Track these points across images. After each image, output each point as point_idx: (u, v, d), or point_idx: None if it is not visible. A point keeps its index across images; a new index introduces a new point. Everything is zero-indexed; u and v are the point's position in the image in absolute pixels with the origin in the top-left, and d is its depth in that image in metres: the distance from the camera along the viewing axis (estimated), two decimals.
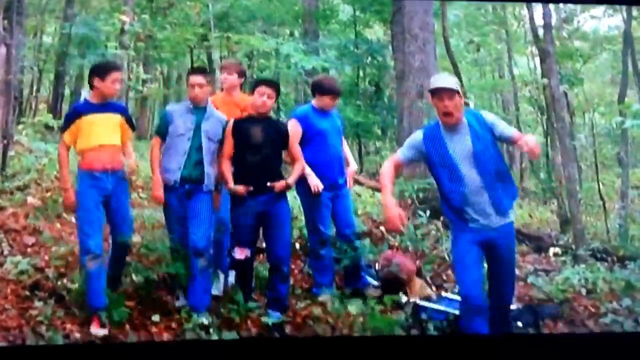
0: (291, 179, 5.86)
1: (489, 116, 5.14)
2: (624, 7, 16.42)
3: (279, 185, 5.69)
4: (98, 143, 5.60)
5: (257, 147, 5.72)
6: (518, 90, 18.09)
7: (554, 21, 15.45)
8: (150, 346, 5.09)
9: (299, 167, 5.99)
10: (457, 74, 12.68)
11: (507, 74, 19.53)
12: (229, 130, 5.79)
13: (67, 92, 17.38)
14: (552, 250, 9.07)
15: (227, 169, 5.76)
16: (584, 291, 6.95)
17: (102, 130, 5.64)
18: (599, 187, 12.25)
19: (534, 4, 15.48)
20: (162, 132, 5.86)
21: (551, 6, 14.82)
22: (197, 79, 5.82)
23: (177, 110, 5.92)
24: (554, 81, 12.59)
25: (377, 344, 4.74)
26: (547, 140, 14.29)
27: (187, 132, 5.73)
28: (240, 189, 5.65)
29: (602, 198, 12.24)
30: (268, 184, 5.64)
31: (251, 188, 5.63)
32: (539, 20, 14.44)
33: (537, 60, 17.15)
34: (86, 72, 19.33)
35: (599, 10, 19.45)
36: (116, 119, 5.75)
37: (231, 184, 5.69)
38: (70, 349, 4.82)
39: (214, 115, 5.88)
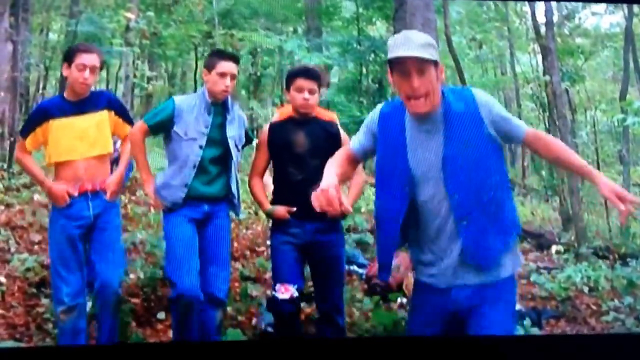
0: (351, 200, 4.49)
1: (483, 98, 3.22)
2: (624, 4, 16.45)
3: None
4: (70, 157, 4.45)
5: (301, 157, 4.47)
6: (520, 88, 18.11)
7: (555, 18, 15.48)
8: (156, 347, 5.09)
9: (358, 183, 4.55)
10: (460, 71, 12.68)
11: (509, 71, 19.55)
12: (264, 137, 4.63)
13: None
14: (554, 248, 9.12)
15: (260, 188, 4.63)
16: (586, 289, 7.01)
17: (77, 139, 4.44)
18: None
19: (536, 1, 15.55)
20: (158, 128, 4.51)
21: (553, 3, 14.89)
22: (229, 66, 4.46)
23: (188, 105, 4.46)
24: (555, 78, 12.65)
25: (379, 343, 4.77)
26: None
27: (199, 138, 4.39)
28: (281, 211, 4.46)
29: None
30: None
31: (294, 209, 4.40)
32: (540, 18, 14.51)
33: (539, 57, 17.19)
34: None
35: (600, 7, 19.46)
36: (99, 117, 4.51)
37: (267, 206, 4.55)
38: (75, 348, 4.82)
39: (237, 114, 4.63)
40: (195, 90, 15.90)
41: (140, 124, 4.53)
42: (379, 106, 3.47)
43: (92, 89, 4.63)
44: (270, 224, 4.72)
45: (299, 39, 12.54)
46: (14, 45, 11.51)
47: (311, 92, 4.45)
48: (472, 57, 19.04)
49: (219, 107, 4.50)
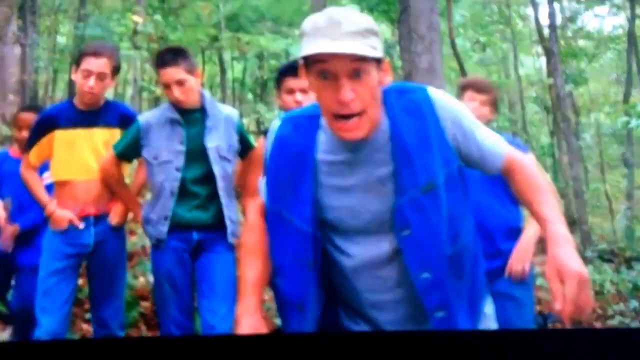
0: None
1: (445, 103, 2.00)
2: (627, 6, 16.54)
3: None
4: (75, 176, 3.77)
5: None
6: (524, 90, 18.19)
7: (558, 20, 15.57)
8: (163, 342, 5.10)
9: None
10: (464, 74, 12.77)
11: (513, 73, 19.64)
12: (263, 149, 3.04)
13: None
14: None
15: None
16: (591, 293, 7.07)
17: (85, 156, 3.77)
18: (605, 187, 12.34)
19: (538, 2, 15.65)
20: (127, 154, 3.74)
21: (556, 5, 14.97)
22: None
23: (156, 121, 3.65)
24: (559, 81, 12.75)
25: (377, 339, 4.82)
26: (553, 141, 14.40)
27: (175, 158, 3.58)
28: None
29: (608, 199, 12.35)
30: None
31: None
32: (544, 20, 14.61)
33: (543, 59, 17.29)
34: None
35: (602, 9, 19.57)
36: (109, 136, 3.79)
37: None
38: (82, 344, 4.78)
39: (223, 117, 3.70)
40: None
41: (109, 154, 3.74)
42: (274, 124, 2.17)
43: (108, 98, 3.99)
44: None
45: None
46: (22, 48, 11.52)
47: (304, 92, 3.43)
48: (476, 59, 19.13)
49: (194, 114, 3.62)
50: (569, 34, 18.47)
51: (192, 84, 3.56)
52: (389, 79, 1.95)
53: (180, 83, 3.52)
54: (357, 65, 1.81)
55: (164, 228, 3.59)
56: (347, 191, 1.96)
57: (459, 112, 1.99)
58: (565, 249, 1.77)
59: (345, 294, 2.07)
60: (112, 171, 3.75)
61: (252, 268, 2.08)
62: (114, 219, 3.85)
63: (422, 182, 1.90)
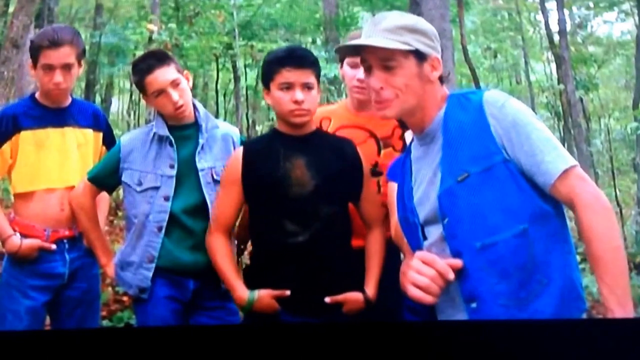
0: (372, 282, 2.68)
1: (497, 102, 2.03)
2: (636, 12, 16.62)
3: (350, 299, 2.62)
4: (44, 184, 3.11)
5: (298, 200, 2.59)
6: (535, 96, 18.25)
7: (568, 27, 15.67)
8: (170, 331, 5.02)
9: (380, 247, 2.77)
10: (476, 80, 12.87)
11: (524, 79, 19.71)
12: (234, 168, 2.71)
13: (97, 99, 17.67)
14: None
15: (227, 256, 2.75)
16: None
17: (56, 159, 3.14)
18: (616, 193, 12.38)
19: (548, 9, 15.74)
20: (104, 180, 3.04)
21: (565, 11, 15.07)
22: (167, 72, 2.87)
23: (141, 140, 2.98)
24: (569, 87, 12.84)
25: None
26: (564, 147, 14.45)
27: (164, 184, 2.90)
28: (266, 299, 2.59)
29: (618, 204, 12.36)
30: (327, 298, 2.57)
31: (287, 294, 2.57)
32: (554, 26, 14.70)
33: (553, 65, 17.38)
34: (116, 81, 19.42)
35: (611, 15, 19.66)
36: (82, 137, 3.22)
37: (243, 291, 2.62)
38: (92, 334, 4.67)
39: (220, 133, 3.05)
40: (217, 101, 16.24)
41: (82, 181, 3.07)
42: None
43: (75, 95, 3.51)
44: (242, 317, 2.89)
45: (318, 49, 12.67)
46: None
47: (306, 88, 2.60)
48: (487, 66, 19.22)
49: (187, 130, 2.97)
50: (579, 40, 18.56)
51: (185, 85, 2.94)
52: (436, 74, 2.11)
53: (176, 84, 2.88)
54: (385, 57, 2.04)
55: (148, 273, 2.87)
56: (421, 184, 2.14)
57: (509, 115, 2.00)
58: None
59: None
60: (84, 202, 3.03)
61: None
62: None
63: (459, 172, 2.00)
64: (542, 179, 1.95)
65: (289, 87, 2.58)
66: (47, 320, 3.31)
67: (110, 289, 5.40)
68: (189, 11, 12.56)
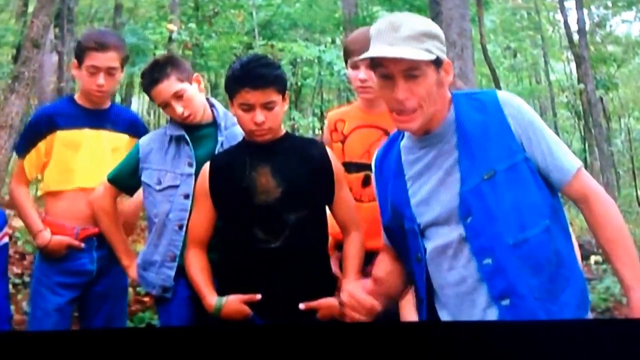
0: (347, 287, 2.38)
1: (513, 102, 2.10)
2: None
3: (324, 305, 2.56)
4: (76, 184, 3.15)
5: (270, 210, 2.56)
6: (555, 96, 18.18)
7: (587, 26, 15.59)
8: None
9: (356, 251, 2.72)
10: (496, 80, 12.84)
11: (544, 79, 19.63)
12: (202, 178, 2.69)
13: (118, 99, 17.69)
14: (592, 258, 9.03)
15: (201, 267, 2.68)
16: (624, 300, 6.98)
17: (90, 160, 3.17)
18: (637, 193, 12.33)
19: (567, 9, 15.68)
20: (125, 182, 3.03)
21: (584, 10, 15.00)
22: (168, 86, 2.85)
23: (160, 142, 2.99)
24: (590, 86, 12.79)
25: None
26: (585, 146, 14.39)
27: (183, 183, 2.88)
28: (235, 304, 2.56)
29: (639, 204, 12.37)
30: (301, 305, 2.52)
31: (257, 298, 2.54)
32: (573, 26, 14.64)
33: (573, 65, 17.31)
34: (136, 80, 19.58)
35: (630, 14, 19.56)
36: (118, 141, 3.24)
37: (213, 297, 2.60)
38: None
39: (234, 129, 2.94)
40: None
41: (102, 185, 3.05)
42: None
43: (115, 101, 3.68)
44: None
45: (338, 49, 12.66)
46: (60, 56, 11.80)
47: (267, 108, 2.53)
48: (506, 65, 19.16)
49: (205, 129, 2.98)
50: (598, 39, 18.48)
51: (191, 92, 2.89)
52: (450, 78, 2.09)
53: (178, 96, 2.86)
54: (411, 67, 1.98)
55: (170, 271, 2.86)
56: (423, 186, 2.11)
57: (525, 115, 2.09)
58: None
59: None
60: (105, 204, 3.04)
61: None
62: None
63: (483, 170, 2.02)
64: (558, 176, 2.08)
65: (249, 108, 2.51)
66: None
67: (131, 289, 5.39)
68: (209, 11, 12.58)
